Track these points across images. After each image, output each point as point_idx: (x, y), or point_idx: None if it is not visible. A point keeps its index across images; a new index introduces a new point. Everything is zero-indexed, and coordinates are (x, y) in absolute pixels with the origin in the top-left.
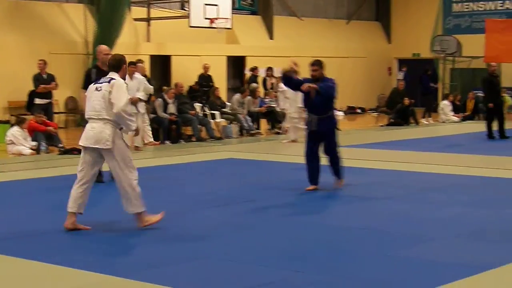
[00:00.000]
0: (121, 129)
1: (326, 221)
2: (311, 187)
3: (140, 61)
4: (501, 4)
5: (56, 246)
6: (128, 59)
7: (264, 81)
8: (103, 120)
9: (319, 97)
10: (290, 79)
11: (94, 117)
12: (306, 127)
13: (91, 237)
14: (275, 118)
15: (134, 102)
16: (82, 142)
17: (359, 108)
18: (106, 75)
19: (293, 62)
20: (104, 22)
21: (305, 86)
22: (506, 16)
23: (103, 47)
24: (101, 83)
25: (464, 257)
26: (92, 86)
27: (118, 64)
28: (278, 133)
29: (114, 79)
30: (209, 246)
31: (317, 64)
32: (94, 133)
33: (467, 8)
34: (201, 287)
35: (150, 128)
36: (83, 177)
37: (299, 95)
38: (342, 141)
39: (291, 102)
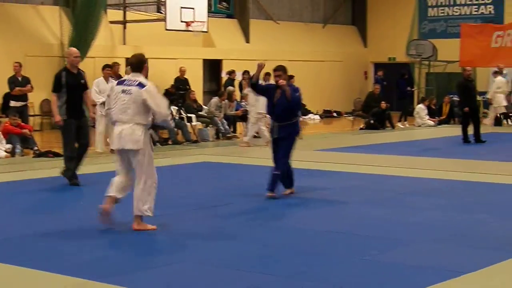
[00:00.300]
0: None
1: (302, 226)
2: (271, 193)
3: (116, 63)
4: (476, 9)
5: (31, 250)
6: (104, 62)
7: (241, 84)
8: (134, 123)
9: (283, 104)
10: (256, 84)
11: (124, 120)
12: (270, 134)
13: (66, 241)
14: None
15: None
16: (114, 146)
17: (335, 111)
18: (75, 77)
19: (261, 63)
20: (80, 24)
21: (281, 82)
22: (481, 20)
23: (73, 49)
24: (128, 85)
25: (441, 261)
26: (117, 87)
27: (140, 64)
28: (255, 137)
29: (143, 84)
30: (183, 250)
31: (281, 70)
32: (125, 135)
33: (442, 12)
34: None
35: None
36: (124, 174)
37: (260, 101)
38: (318, 145)
39: (250, 107)
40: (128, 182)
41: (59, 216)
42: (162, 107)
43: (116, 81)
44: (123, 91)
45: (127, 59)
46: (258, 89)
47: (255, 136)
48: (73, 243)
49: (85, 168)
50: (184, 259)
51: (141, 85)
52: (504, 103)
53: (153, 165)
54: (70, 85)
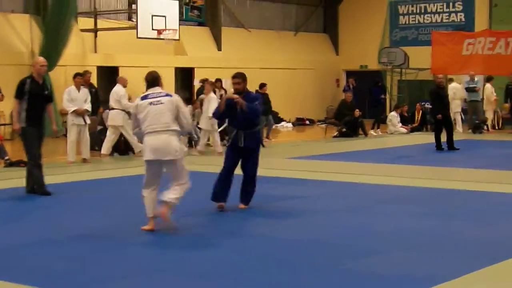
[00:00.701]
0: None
1: (275, 234)
2: (221, 204)
3: (87, 72)
4: (447, 17)
5: (2, 261)
6: (75, 70)
7: (214, 92)
8: (170, 131)
9: (243, 115)
10: (221, 116)
11: (159, 129)
12: (230, 142)
13: (36, 252)
14: (224, 129)
15: (81, 113)
16: (150, 157)
17: (308, 119)
18: (40, 87)
19: (229, 97)
20: (51, 32)
21: (236, 99)
22: (452, 28)
23: (40, 59)
24: (155, 97)
25: (415, 270)
26: (143, 103)
27: (156, 80)
28: (225, 146)
29: (171, 94)
30: (152, 261)
31: (240, 77)
32: (162, 145)
33: (413, 20)
34: None
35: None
36: (153, 184)
37: (210, 108)
38: (291, 153)
39: (203, 114)
40: (157, 194)
41: (29, 226)
42: (188, 117)
43: (139, 98)
44: (152, 104)
45: (98, 67)
46: (224, 116)
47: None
48: (42, 254)
49: (57, 177)
50: (160, 270)
51: (169, 95)
52: (459, 109)
53: (188, 170)
54: (33, 93)
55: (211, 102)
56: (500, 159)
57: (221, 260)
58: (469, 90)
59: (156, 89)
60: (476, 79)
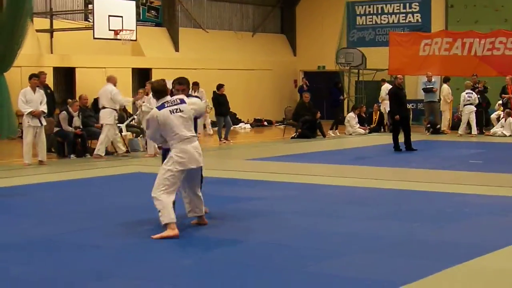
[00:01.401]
0: None
1: (233, 237)
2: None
3: (42, 73)
4: (404, 18)
5: None
6: (31, 71)
7: (171, 93)
8: (196, 137)
9: None
10: None
11: (189, 136)
12: None
13: None
14: None
15: (37, 115)
16: (192, 165)
17: (266, 120)
18: None
19: None
20: (5, 33)
21: None
22: (409, 29)
23: None
24: (173, 105)
25: (375, 273)
26: (163, 112)
27: (166, 89)
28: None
29: (184, 100)
30: (116, 263)
31: (185, 83)
32: (197, 153)
33: (370, 21)
34: None
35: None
36: (176, 190)
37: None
38: (249, 154)
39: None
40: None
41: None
42: (199, 105)
43: (156, 108)
44: (172, 112)
45: (55, 68)
46: None
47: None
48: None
49: (13, 180)
50: (112, 275)
51: (183, 101)
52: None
53: None
54: None
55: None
56: (458, 160)
57: (179, 264)
58: (426, 90)
59: (167, 98)
60: (433, 79)
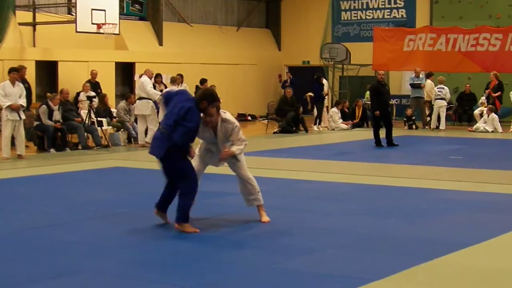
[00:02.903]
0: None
1: (208, 232)
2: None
3: (22, 67)
4: (388, 13)
5: None
6: (13, 64)
7: (154, 88)
8: None
9: None
10: None
11: None
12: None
13: None
14: None
15: (16, 109)
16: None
17: (250, 115)
18: None
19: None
20: None
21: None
22: (393, 24)
23: None
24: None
25: (348, 268)
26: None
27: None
28: None
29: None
30: (87, 259)
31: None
32: None
33: (355, 16)
34: None
35: None
36: None
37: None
38: None
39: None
40: None
41: None
42: None
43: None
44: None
45: (37, 62)
46: None
47: None
48: None
49: None
50: (86, 269)
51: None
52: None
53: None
54: None
55: None
56: (439, 156)
57: (149, 259)
58: (414, 86)
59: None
60: (421, 75)
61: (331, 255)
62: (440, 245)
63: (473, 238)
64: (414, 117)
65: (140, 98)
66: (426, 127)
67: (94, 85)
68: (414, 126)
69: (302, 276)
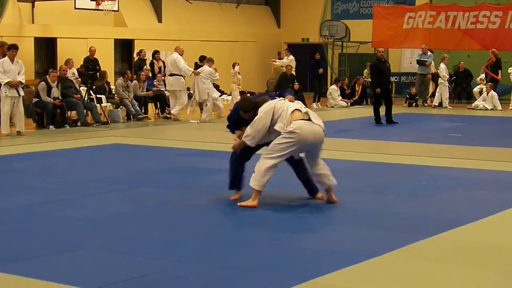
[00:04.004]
0: None
1: (204, 208)
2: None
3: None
4: None
5: None
6: (12, 41)
7: (152, 64)
8: None
9: None
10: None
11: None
12: None
13: None
14: (163, 102)
15: (15, 85)
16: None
17: (249, 92)
18: None
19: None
20: None
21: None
22: (393, 2)
23: None
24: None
25: (349, 245)
26: (276, 103)
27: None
28: (166, 118)
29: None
30: (86, 235)
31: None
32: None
33: None
34: (75, 279)
35: None
36: None
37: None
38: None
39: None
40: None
41: None
42: None
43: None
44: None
45: (36, 38)
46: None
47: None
48: None
49: None
50: (87, 245)
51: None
52: None
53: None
54: None
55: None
56: (437, 133)
57: (150, 234)
58: (420, 63)
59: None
60: (429, 53)
61: (330, 232)
62: (439, 221)
63: (472, 215)
64: (417, 97)
65: (172, 75)
66: (425, 104)
67: (92, 61)
68: (414, 104)
69: (301, 252)
